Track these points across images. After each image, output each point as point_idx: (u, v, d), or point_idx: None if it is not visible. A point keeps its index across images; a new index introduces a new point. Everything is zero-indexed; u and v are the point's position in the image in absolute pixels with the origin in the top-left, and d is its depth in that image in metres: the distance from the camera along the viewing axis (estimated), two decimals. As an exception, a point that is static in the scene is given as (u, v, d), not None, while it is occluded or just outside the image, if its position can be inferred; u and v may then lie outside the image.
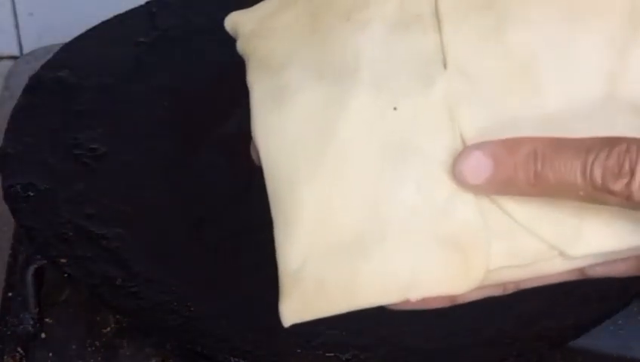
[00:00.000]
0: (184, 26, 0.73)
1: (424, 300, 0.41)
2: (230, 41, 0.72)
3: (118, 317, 0.56)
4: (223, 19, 0.74)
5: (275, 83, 0.43)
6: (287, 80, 0.43)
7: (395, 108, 0.41)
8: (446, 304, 0.42)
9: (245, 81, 0.71)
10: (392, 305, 0.41)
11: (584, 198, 0.38)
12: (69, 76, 0.67)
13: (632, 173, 0.37)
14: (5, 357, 0.55)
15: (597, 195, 0.38)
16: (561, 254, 0.40)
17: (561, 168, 0.38)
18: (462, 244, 0.40)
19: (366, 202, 0.40)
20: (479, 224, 0.40)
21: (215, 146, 0.65)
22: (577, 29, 0.41)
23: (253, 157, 0.44)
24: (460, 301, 0.42)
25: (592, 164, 0.37)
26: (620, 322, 0.57)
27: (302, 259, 0.41)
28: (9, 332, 0.56)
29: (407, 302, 0.41)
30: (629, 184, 0.37)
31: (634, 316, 0.58)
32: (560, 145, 0.38)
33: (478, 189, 0.39)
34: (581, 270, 0.42)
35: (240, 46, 0.47)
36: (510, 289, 0.43)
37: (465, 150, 0.39)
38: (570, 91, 0.41)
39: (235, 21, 0.48)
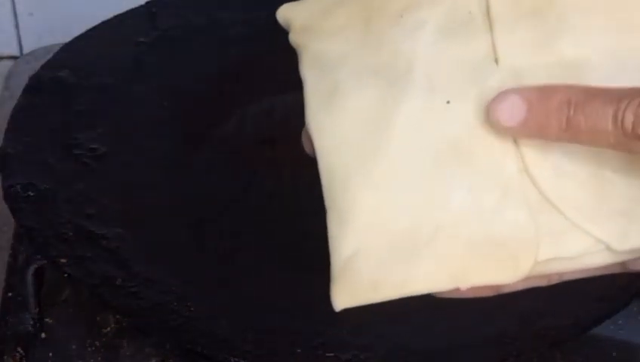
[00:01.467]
0: (184, 26, 0.73)
1: (472, 289, 0.42)
2: (230, 41, 0.73)
3: (118, 317, 0.56)
4: (223, 19, 0.74)
5: (329, 81, 0.44)
6: (341, 79, 0.44)
7: (447, 107, 0.42)
8: (492, 293, 0.43)
9: (245, 81, 0.72)
10: (441, 293, 0.42)
11: (614, 145, 0.39)
12: (69, 76, 0.67)
13: None
14: (5, 357, 0.55)
15: (627, 142, 0.38)
16: (608, 248, 0.41)
17: (593, 114, 0.38)
18: (511, 242, 0.41)
19: (418, 201, 0.41)
20: (529, 224, 0.41)
21: (215, 146, 0.65)
22: (636, 42, 0.42)
23: (306, 148, 0.45)
24: (506, 290, 0.43)
25: (624, 110, 0.38)
26: (620, 322, 0.57)
27: (353, 251, 0.42)
28: (9, 332, 0.56)
29: (457, 290, 0.42)
30: None
31: (634, 316, 0.58)
32: (593, 93, 0.39)
33: (510, 132, 0.40)
34: (623, 263, 0.43)
35: (292, 38, 0.48)
36: (554, 280, 0.44)
37: (501, 93, 0.40)
38: None
39: (287, 14, 0.49)
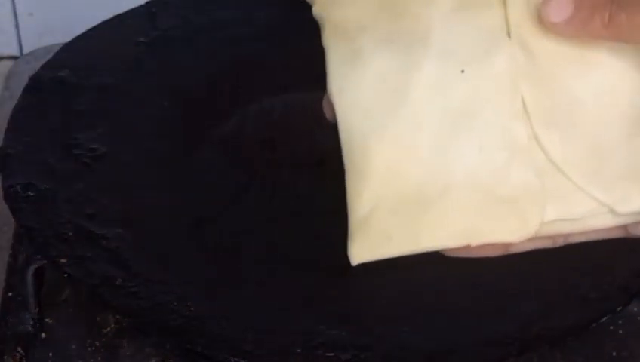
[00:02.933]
0: (184, 26, 0.73)
1: (481, 247, 0.44)
2: (230, 41, 0.73)
3: (118, 317, 0.56)
4: (223, 19, 0.74)
5: (350, 47, 0.46)
6: (362, 45, 0.46)
7: (461, 75, 0.44)
8: (500, 252, 0.45)
9: (245, 81, 0.72)
10: (451, 250, 0.45)
11: None
12: (69, 76, 0.67)
13: None
14: (5, 357, 0.55)
15: None
16: (611, 211, 0.44)
17: (634, 10, 0.42)
18: (519, 201, 0.43)
19: (431, 159, 0.44)
20: (536, 183, 0.44)
21: (215, 146, 0.65)
22: None
23: (327, 114, 0.47)
24: (514, 250, 0.45)
25: None
26: (620, 322, 0.57)
27: (370, 207, 0.44)
28: (9, 332, 0.56)
29: (467, 247, 0.44)
30: None
31: (634, 316, 0.58)
32: None
33: (556, 28, 0.44)
34: (625, 228, 0.45)
35: (316, 11, 0.49)
36: (559, 243, 0.47)
37: None
38: (626, 72, 0.44)
39: None
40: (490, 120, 0.44)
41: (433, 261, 0.57)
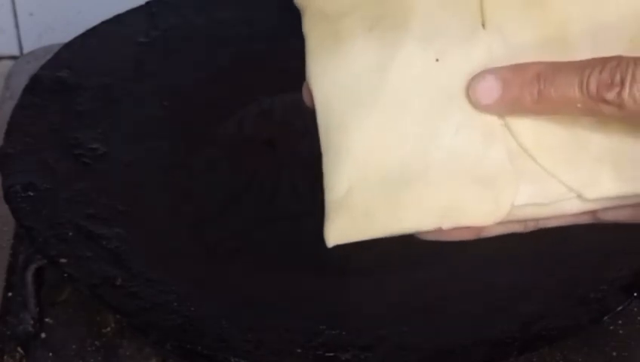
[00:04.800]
0: (184, 26, 0.73)
1: (454, 231, 0.45)
2: (230, 41, 0.73)
3: (118, 317, 0.56)
4: (223, 19, 0.74)
5: (330, 30, 0.47)
6: (342, 27, 0.46)
7: (437, 60, 0.45)
8: (472, 236, 0.46)
9: (245, 81, 0.72)
10: (425, 233, 0.45)
11: (582, 110, 0.43)
12: (69, 76, 0.67)
13: (623, 83, 0.41)
14: (5, 357, 0.55)
15: (593, 106, 0.42)
16: (579, 196, 0.45)
17: (562, 84, 0.43)
18: (492, 182, 0.44)
19: (409, 141, 0.45)
20: (509, 167, 0.45)
21: (215, 146, 0.65)
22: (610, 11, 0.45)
23: (306, 100, 0.47)
24: (485, 234, 0.46)
25: (588, 77, 0.42)
26: (620, 322, 0.57)
27: (347, 188, 0.45)
28: (9, 332, 0.56)
29: (439, 230, 0.45)
30: (620, 93, 0.41)
31: (634, 316, 0.58)
32: (561, 66, 0.43)
33: (489, 109, 0.44)
34: (594, 214, 0.47)
35: (296, 0, 0.50)
36: (530, 227, 0.47)
37: (478, 74, 0.44)
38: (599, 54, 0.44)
39: None
40: (465, 105, 0.45)
41: (433, 261, 0.57)
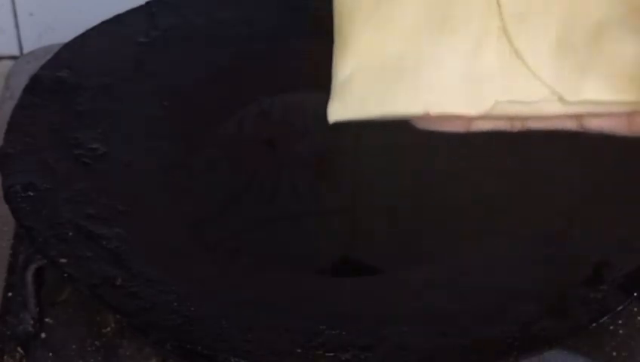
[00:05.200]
0: (184, 26, 0.73)
1: (445, 122, 0.50)
2: (230, 41, 0.73)
3: (118, 317, 0.56)
4: (223, 19, 0.74)
5: None
6: None
7: None
8: (462, 129, 0.50)
9: (245, 81, 0.72)
10: (418, 120, 0.50)
11: None
12: (69, 76, 0.67)
13: None
14: (5, 357, 0.55)
15: None
16: (560, 99, 0.49)
17: None
18: (480, 77, 0.49)
19: (409, 37, 0.50)
20: (497, 66, 0.49)
21: (215, 146, 0.65)
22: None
23: None
24: (474, 128, 0.51)
25: None
26: (620, 322, 0.57)
27: (351, 71, 0.50)
28: (9, 332, 0.56)
29: (430, 118, 0.50)
30: None
31: (634, 316, 0.58)
32: None
33: None
34: (579, 120, 0.50)
35: None
36: (517, 127, 0.51)
37: None
38: None
39: None
40: (464, 10, 0.49)
41: (433, 261, 0.57)
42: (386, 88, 0.50)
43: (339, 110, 0.51)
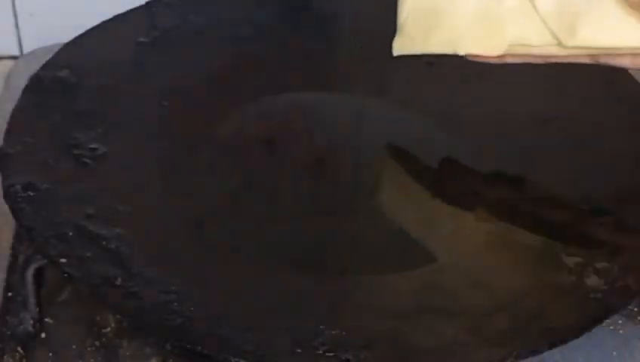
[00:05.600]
0: (184, 26, 0.73)
1: (478, 57, 0.58)
2: (230, 40, 0.73)
3: (118, 317, 0.56)
4: (223, 19, 0.74)
5: None
6: None
7: None
8: (495, 60, 0.58)
9: (245, 81, 0.72)
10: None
11: None
12: (69, 76, 0.67)
13: None
14: (5, 357, 0.55)
15: None
16: (560, 43, 0.56)
17: None
18: (498, 21, 0.57)
19: None
20: (514, 8, 0.56)
21: (215, 146, 0.65)
22: None
23: None
24: (506, 60, 0.58)
25: None
26: (620, 322, 0.57)
27: (405, 16, 0.59)
28: (9, 332, 0.56)
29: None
30: None
31: (634, 316, 0.58)
32: None
33: None
34: (596, 58, 0.56)
35: None
36: (539, 61, 0.58)
37: None
38: None
39: None
40: None
41: (433, 261, 0.57)
42: (428, 30, 0.59)
43: (397, 47, 0.60)
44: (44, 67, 0.67)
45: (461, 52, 0.59)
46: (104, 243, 0.56)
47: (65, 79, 0.67)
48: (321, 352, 0.51)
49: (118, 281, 0.53)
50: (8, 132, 0.62)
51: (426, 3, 0.59)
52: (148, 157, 0.63)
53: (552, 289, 0.55)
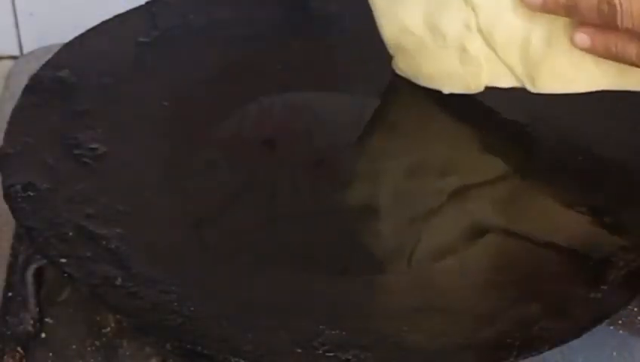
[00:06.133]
0: (184, 26, 0.73)
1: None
2: (230, 41, 0.73)
3: (118, 317, 0.56)
4: (223, 19, 0.74)
5: None
6: None
7: None
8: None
9: (245, 81, 0.72)
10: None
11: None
12: (69, 76, 0.67)
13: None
14: (5, 357, 0.55)
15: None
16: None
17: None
18: (470, 65, 0.63)
19: (420, 27, 0.64)
20: (480, 56, 0.62)
21: (215, 146, 0.65)
22: None
23: None
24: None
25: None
26: (620, 322, 0.57)
27: (395, 42, 0.67)
28: (9, 332, 0.56)
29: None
30: None
31: (634, 316, 0.58)
32: None
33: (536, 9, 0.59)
34: None
35: None
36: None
37: None
38: None
39: None
40: (459, 7, 0.62)
41: (433, 261, 0.57)
42: (416, 67, 0.66)
43: (396, 68, 0.68)
44: (44, 67, 0.67)
45: (446, 91, 0.65)
46: (104, 243, 0.56)
47: (65, 79, 0.67)
48: (321, 352, 0.51)
49: (118, 281, 0.53)
50: (8, 132, 0.62)
51: (408, 40, 0.65)
52: (148, 158, 0.63)
53: (552, 289, 0.55)
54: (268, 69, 0.71)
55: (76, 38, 0.70)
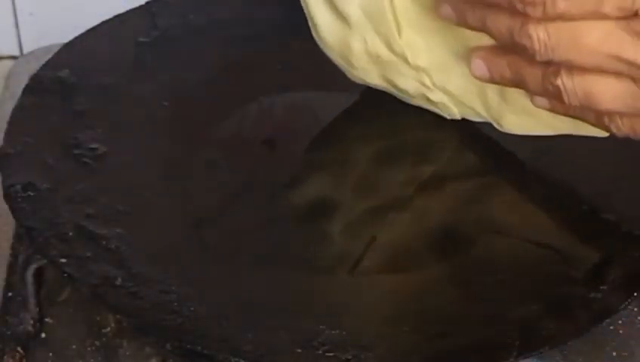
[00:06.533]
0: (184, 26, 0.73)
1: None
2: (230, 41, 0.73)
3: (118, 317, 0.56)
4: (223, 19, 0.74)
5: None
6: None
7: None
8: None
9: (245, 81, 0.72)
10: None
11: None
12: (69, 76, 0.67)
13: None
14: (5, 357, 0.55)
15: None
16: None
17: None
18: (442, 107, 0.63)
19: (381, 81, 0.64)
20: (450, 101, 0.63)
21: (215, 146, 0.65)
22: None
23: None
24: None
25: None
26: (620, 322, 0.57)
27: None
28: (9, 332, 0.56)
29: None
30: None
31: (634, 316, 0.58)
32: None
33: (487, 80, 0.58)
34: None
35: None
36: None
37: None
38: None
39: None
40: (406, 74, 0.62)
41: (433, 261, 0.57)
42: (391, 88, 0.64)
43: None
44: (44, 67, 0.67)
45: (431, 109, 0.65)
46: (104, 243, 0.56)
47: (65, 79, 0.67)
48: (321, 352, 0.51)
49: (118, 281, 0.53)
50: (8, 132, 0.62)
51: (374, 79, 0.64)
52: (148, 157, 0.63)
53: (552, 289, 0.55)
54: (268, 69, 0.71)
55: (76, 38, 0.70)
